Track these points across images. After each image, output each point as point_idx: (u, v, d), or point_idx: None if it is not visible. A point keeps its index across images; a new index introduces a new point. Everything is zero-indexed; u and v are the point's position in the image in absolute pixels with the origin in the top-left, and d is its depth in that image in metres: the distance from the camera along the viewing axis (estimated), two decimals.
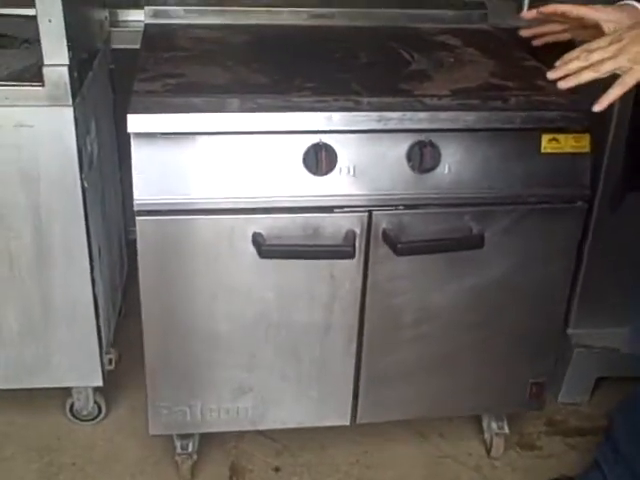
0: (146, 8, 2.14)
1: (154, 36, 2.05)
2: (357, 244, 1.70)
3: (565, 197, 1.77)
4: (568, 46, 2.26)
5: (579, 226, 1.81)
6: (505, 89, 1.79)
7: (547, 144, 1.72)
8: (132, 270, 2.54)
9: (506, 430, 2.08)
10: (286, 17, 2.22)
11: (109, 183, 2.21)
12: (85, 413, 2.13)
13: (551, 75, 1.67)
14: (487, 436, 2.12)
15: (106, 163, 2.17)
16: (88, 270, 1.90)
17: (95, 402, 2.12)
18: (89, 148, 1.90)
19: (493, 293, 1.84)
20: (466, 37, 2.16)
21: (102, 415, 2.15)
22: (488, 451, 2.12)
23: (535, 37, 1.98)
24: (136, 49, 2.05)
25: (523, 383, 1.98)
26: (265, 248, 1.66)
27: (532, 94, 1.77)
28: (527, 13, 1.91)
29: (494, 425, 2.09)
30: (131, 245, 2.55)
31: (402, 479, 2.05)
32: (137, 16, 2.21)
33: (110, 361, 2.06)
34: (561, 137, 1.72)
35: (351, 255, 1.68)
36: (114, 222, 2.29)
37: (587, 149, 1.74)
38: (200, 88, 1.70)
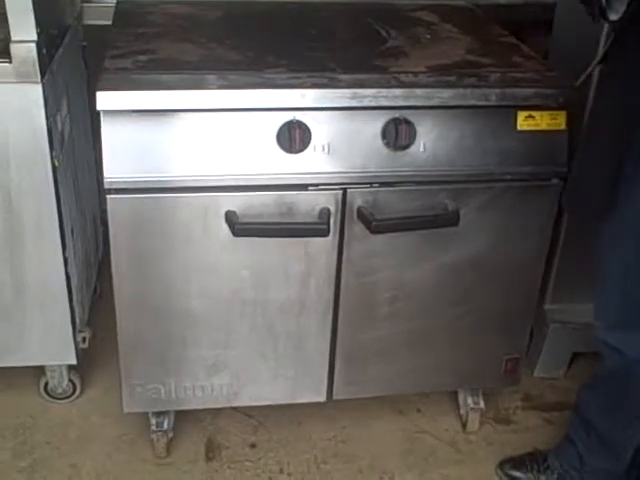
0: None
1: (126, 12, 2.01)
2: (332, 222, 1.69)
3: (541, 175, 1.76)
4: (547, 25, 2.28)
5: (555, 203, 1.80)
6: (481, 66, 1.78)
7: (523, 121, 1.71)
8: (108, 249, 2.54)
9: (481, 405, 2.09)
10: None
11: (82, 162, 2.18)
12: (60, 391, 2.12)
13: None
14: (463, 411, 2.14)
15: (79, 141, 2.14)
16: (60, 249, 1.88)
17: (70, 380, 2.11)
18: (60, 126, 1.86)
19: (468, 270, 1.84)
20: (444, 13, 2.14)
21: (77, 394, 2.14)
22: (464, 426, 2.13)
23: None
24: (108, 25, 2.03)
25: (498, 359, 1.99)
26: (238, 226, 1.64)
27: (508, 71, 1.76)
28: None
29: (470, 400, 2.10)
30: (106, 224, 2.57)
31: (379, 454, 2.06)
32: None
33: (84, 339, 2.05)
34: (537, 114, 1.71)
35: (325, 233, 1.67)
36: (88, 201, 2.26)
37: (563, 126, 1.73)
38: (171, 65, 1.68)
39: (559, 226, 2.07)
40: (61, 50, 1.89)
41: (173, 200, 1.65)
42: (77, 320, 2.01)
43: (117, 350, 1.81)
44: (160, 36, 1.85)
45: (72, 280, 1.96)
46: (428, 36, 1.96)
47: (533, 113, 1.71)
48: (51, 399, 2.12)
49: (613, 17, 1.52)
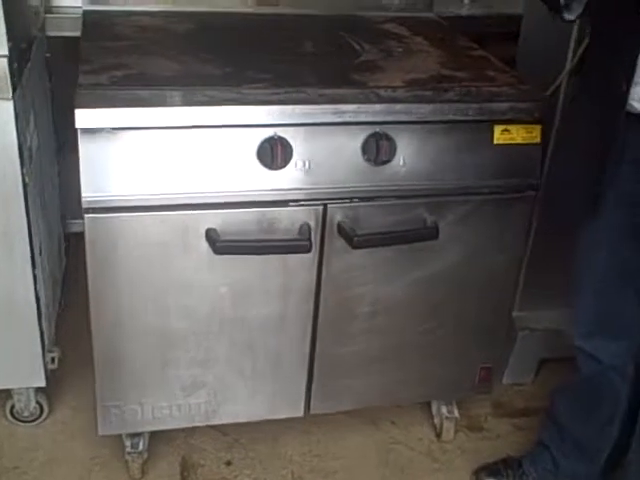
0: None
1: (94, 24, 1.96)
2: (312, 237, 1.68)
3: (516, 187, 1.79)
4: (511, 36, 2.32)
5: (529, 215, 1.84)
6: (456, 80, 1.80)
7: (499, 135, 1.73)
8: (69, 263, 2.48)
9: (456, 414, 2.11)
10: (230, 4, 2.17)
11: (47, 176, 2.12)
12: (26, 414, 2.05)
13: None
14: (437, 421, 2.15)
15: (44, 155, 2.08)
16: (30, 267, 1.82)
17: (37, 402, 2.05)
18: (29, 142, 1.81)
19: (445, 282, 1.85)
20: (413, 26, 2.16)
21: (44, 416, 2.08)
22: (438, 435, 2.15)
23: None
24: (72, 37, 1.99)
25: (472, 368, 2.01)
26: (220, 244, 1.62)
27: (483, 85, 1.78)
28: None
29: (444, 410, 2.12)
30: (69, 238, 2.51)
31: (355, 467, 2.06)
32: (72, 2, 2.12)
33: (53, 360, 1.99)
34: (513, 128, 1.74)
35: (308, 249, 1.66)
36: (53, 216, 2.20)
37: (538, 140, 1.76)
38: (148, 80, 1.64)
39: (526, 234, 2.10)
40: (29, 64, 1.84)
41: (153, 218, 1.61)
42: (46, 340, 1.95)
43: (86, 369, 1.77)
44: (132, 50, 1.81)
45: (41, 299, 1.90)
46: (400, 49, 1.97)
47: (509, 127, 1.74)
48: (17, 422, 2.06)
49: (568, 17, 1.56)
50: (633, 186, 1.54)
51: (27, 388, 2.00)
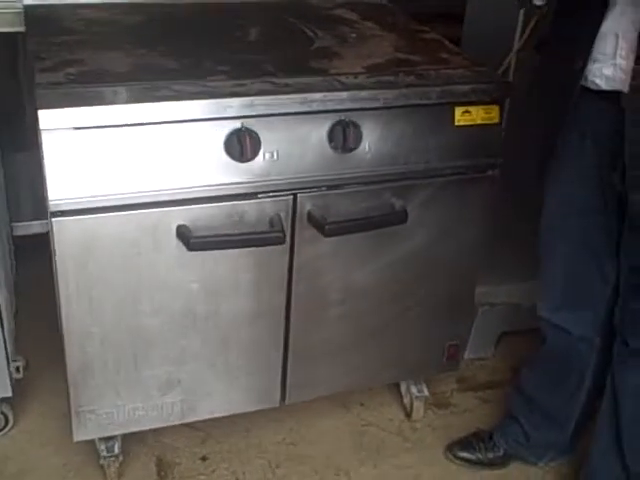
0: None
1: (39, 19, 1.89)
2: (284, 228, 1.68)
3: (478, 167, 1.82)
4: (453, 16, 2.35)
5: (492, 194, 1.87)
6: (414, 64, 1.81)
7: (460, 117, 1.76)
8: (19, 268, 2.41)
9: (426, 393, 2.15)
10: None
11: None
12: None
13: None
14: (406, 400, 2.18)
15: None
16: None
17: (1, 413, 1.99)
18: None
19: (414, 265, 1.88)
20: (361, 11, 2.16)
21: (9, 426, 2.02)
22: (408, 415, 2.19)
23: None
24: (8, 32, 1.93)
25: (440, 346, 2.05)
26: (194, 241, 1.60)
27: (440, 68, 1.80)
28: None
29: (414, 389, 2.15)
30: (15, 241, 2.44)
31: (330, 452, 2.07)
32: None
33: (17, 369, 1.94)
34: (473, 109, 1.76)
35: (282, 241, 1.66)
36: (3, 221, 2.13)
37: (497, 119, 1.79)
38: (106, 76, 1.60)
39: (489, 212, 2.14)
40: None
41: (122, 218, 1.58)
42: (8, 349, 1.89)
43: (50, 375, 1.79)
44: (83, 44, 1.76)
45: (2, 307, 1.84)
46: (354, 35, 1.97)
47: (469, 108, 1.76)
48: None
49: (538, 2, 1.60)
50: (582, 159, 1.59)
51: None
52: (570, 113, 1.54)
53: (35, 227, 2.52)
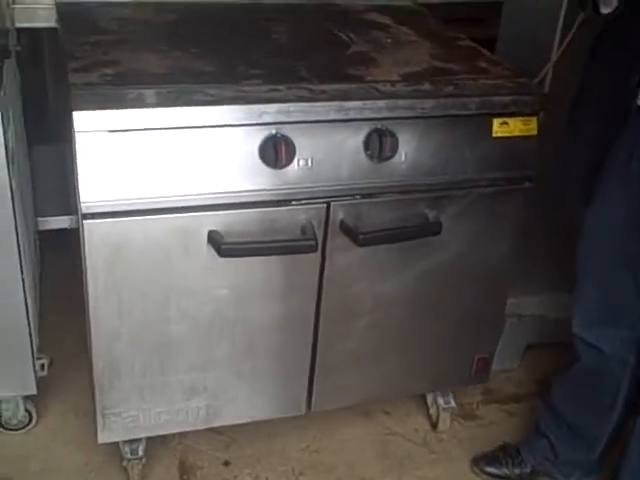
0: None
1: (71, 16, 1.88)
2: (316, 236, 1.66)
3: (514, 179, 1.79)
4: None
5: (525, 205, 1.84)
6: (451, 73, 1.78)
7: (498, 128, 1.72)
8: (44, 265, 2.41)
9: (453, 404, 2.12)
10: None
11: (24, 175, 2.04)
12: (15, 423, 1.99)
13: None
14: (433, 411, 2.16)
15: (19, 153, 1.99)
16: (19, 272, 1.76)
17: (26, 410, 1.98)
18: (11, 142, 1.73)
19: (445, 276, 1.85)
20: (394, 15, 2.13)
21: (33, 423, 2.02)
22: (434, 425, 2.16)
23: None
24: (39, 28, 1.97)
25: (470, 359, 2.02)
26: (225, 247, 1.58)
27: (479, 77, 1.77)
28: None
29: (441, 400, 2.12)
30: (41, 237, 2.43)
31: (354, 461, 2.05)
32: None
33: (42, 367, 1.93)
34: (511, 121, 1.73)
35: (314, 249, 1.64)
36: (30, 215, 2.12)
37: (534, 132, 1.76)
38: (142, 78, 1.59)
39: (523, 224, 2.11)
40: (7, 60, 1.75)
41: (154, 222, 1.56)
42: (34, 346, 1.89)
43: (78, 374, 1.78)
44: (118, 44, 1.74)
45: (29, 304, 1.83)
46: (389, 40, 1.94)
47: (507, 120, 1.73)
48: (6, 431, 1.99)
49: (605, 11, 1.55)
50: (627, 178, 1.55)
51: (15, 396, 1.93)
52: (620, 131, 1.50)
53: (59, 222, 2.51)
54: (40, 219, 2.47)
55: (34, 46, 2.40)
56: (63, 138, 2.02)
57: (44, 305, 2.25)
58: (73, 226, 2.21)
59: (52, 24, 1.97)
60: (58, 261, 2.45)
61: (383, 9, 2.17)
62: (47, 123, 2.52)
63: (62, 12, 1.91)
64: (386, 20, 2.10)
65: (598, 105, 1.56)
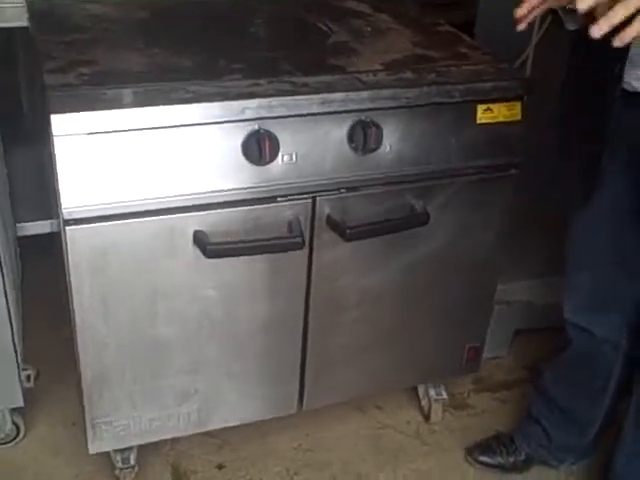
0: None
1: (44, 15, 1.83)
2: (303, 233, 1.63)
3: (500, 166, 1.77)
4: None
5: (512, 192, 1.82)
6: (432, 60, 1.76)
7: (482, 114, 1.70)
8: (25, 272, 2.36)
9: (444, 395, 2.11)
10: None
11: (0, 180, 1.99)
12: (2, 436, 1.94)
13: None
14: (424, 403, 2.14)
15: None
16: (0, 281, 1.71)
17: (13, 423, 1.94)
18: None
19: (433, 266, 1.83)
20: (372, 2, 2.09)
21: (21, 436, 1.97)
22: (426, 417, 2.14)
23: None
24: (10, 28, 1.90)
25: (460, 349, 2.00)
26: (211, 247, 1.55)
27: (460, 64, 1.75)
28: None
29: (432, 392, 2.11)
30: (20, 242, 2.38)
31: (348, 458, 2.03)
32: None
33: (28, 378, 1.88)
34: (495, 106, 1.71)
35: (301, 246, 1.61)
36: (8, 221, 2.07)
37: (519, 117, 1.74)
38: (120, 77, 1.54)
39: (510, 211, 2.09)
40: None
41: (138, 225, 1.52)
42: (19, 357, 1.84)
43: (59, 383, 1.78)
44: (93, 43, 1.69)
45: (12, 313, 1.79)
46: (369, 29, 1.90)
47: (491, 106, 1.71)
48: None
49: (570, 27, 1.53)
50: (630, 168, 1.54)
51: (2, 409, 1.89)
52: (608, 120, 1.47)
53: (39, 227, 2.46)
54: (19, 225, 2.44)
55: (6, 46, 2.34)
56: (39, 140, 1.99)
57: (26, 313, 2.20)
58: (55, 230, 2.17)
59: (23, 23, 1.91)
60: (37, 267, 2.40)
61: None
62: (21, 124, 2.47)
63: (34, 10, 1.85)
64: (364, 8, 2.06)
65: (586, 94, 1.54)
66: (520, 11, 1.37)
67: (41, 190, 2.10)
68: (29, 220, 2.46)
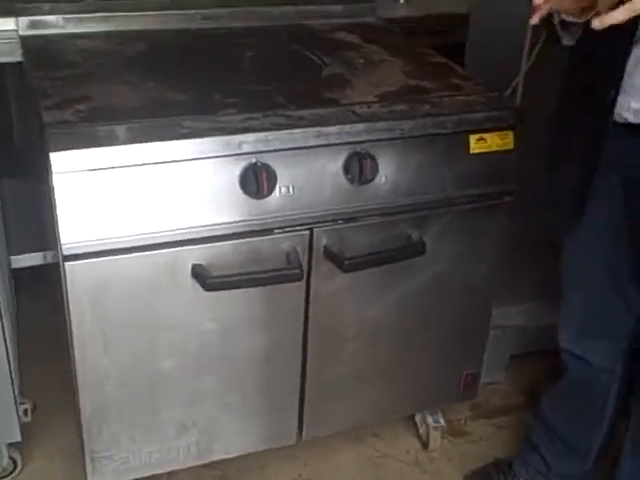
0: (21, 19, 1.92)
1: (38, 51, 1.85)
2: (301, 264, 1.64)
3: (494, 194, 1.79)
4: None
5: (506, 220, 1.84)
6: (425, 91, 1.78)
7: (475, 144, 1.72)
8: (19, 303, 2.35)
9: (442, 423, 2.11)
10: (173, 20, 2.07)
11: None
12: None
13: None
14: (422, 431, 2.15)
15: None
16: None
17: (10, 458, 1.93)
18: None
19: (430, 295, 1.84)
20: (362, 33, 2.12)
21: (18, 471, 1.96)
22: (424, 445, 2.14)
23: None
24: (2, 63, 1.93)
25: (457, 376, 2.01)
26: (210, 281, 1.55)
27: (453, 94, 1.77)
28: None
29: (430, 419, 2.11)
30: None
31: None
32: (5, 25, 1.98)
33: (26, 412, 1.88)
34: (487, 136, 1.73)
35: (300, 277, 1.62)
36: (3, 255, 2.07)
37: (511, 146, 1.76)
38: (117, 113, 1.55)
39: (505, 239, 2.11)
40: None
41: (137, 259, 1.53)
42: (16, 391, 1.83)
43: (56, 416, 1.78)
44: (88, 78, 1.71)
45: (9, 348, 1.78)
46: (361, 60, 1.93)
47: (484, 135, 1.73)
48: None
49: (568, 43, 1.56)
50: (620, 197, 1.56)
51: None
52: (600, 147, 1.50)
53: (33, 259, 2.46)
54: (13, 257, 2.43)
55: None
56: (30, 171, 1.99)
57: (21, 346, 2.20)
58: (49, 261, 2.18)
59: (17, 58, 1.92)
60: (31, 299, 2.40)
61: (350, 27, 2.16)
62: (13, 157, 2.47)
63: (27, 46, 1.87)
64: (355, 39, 2.09)
65: (579, 122, 1.56)
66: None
67: (33, 222, 2.11)
68: (23, 252, 2.46)
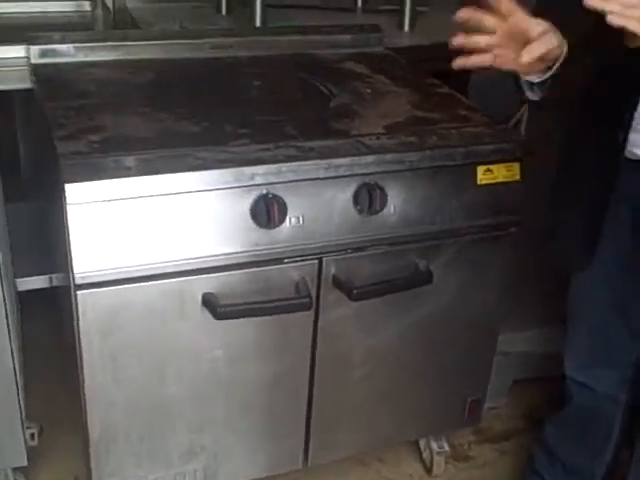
0: (32, 48, 1.94)
1: (50, 80, 1.87)
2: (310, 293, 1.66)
3: (500, 225, 1.81)
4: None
5: (512, 250, 1.86)
6: (433, 122, 1.80)
7: (482, 175, 1.75)
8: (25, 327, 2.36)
9: (446, 448, 2.13)
10: (183, 49, 2.10)
11: (2, 237, 2.00)
12: None
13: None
14: (426, 456, 2.16)
15: None
16: (7, 339, 1.73)
17: None
18: None
19: (436, 323, 1.86)
20: (370, 63, 2.15)
21: None
22: (428, 470, 2.16)
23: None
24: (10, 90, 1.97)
25: (462, 402, 2.02)
26: (221, 309, 1.57)
27: (461, 126, 1.79)
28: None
29: (434, 445, 2.13)
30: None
31: None
32: (16, 53, 2.00)
33: (32, 436, 1.89)
34: (494, 167, 1.76)
35: (309, 307, 1.63)
36: (10, 278, 2.08)
37: (518, 177, 1.78)
38: (130, 144, 1.57)
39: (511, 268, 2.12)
40: None
41: (148, 288, 1.54)
42: (23, 414, 1.84)
43: (62, 439, 1.79)
44: (101, 108, 1.73)
45: (17, 372, 1.79)
46: (369, 91, 1.95)
47: (491, 167, 1.75)
48: None
49: (532, 98, 1.57)
50: (630, 231, 1.58)
51: (5, 468, 1.88)
52: (611, 182, 1.52)
53: (38, 282, 2.47)
54: (19, 280, 2.44)
55: (4, 105, 2.38)
56: (37, 196, 2.01)
57: (26, 368, 2.20)
58: (54, 284, 2.19)
59: (27, 85, 1.95)
60: (36, 321, 2.41)
61: (357, 57, 2.19)
62: (19, 180, 2.49)
63: (39, 75, 1.90)
64: (362, 69, 2.12)
65: (590, 157, 1.58)
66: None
67: (39, 245, 2.12)
68: (28, 275, 2.47)
